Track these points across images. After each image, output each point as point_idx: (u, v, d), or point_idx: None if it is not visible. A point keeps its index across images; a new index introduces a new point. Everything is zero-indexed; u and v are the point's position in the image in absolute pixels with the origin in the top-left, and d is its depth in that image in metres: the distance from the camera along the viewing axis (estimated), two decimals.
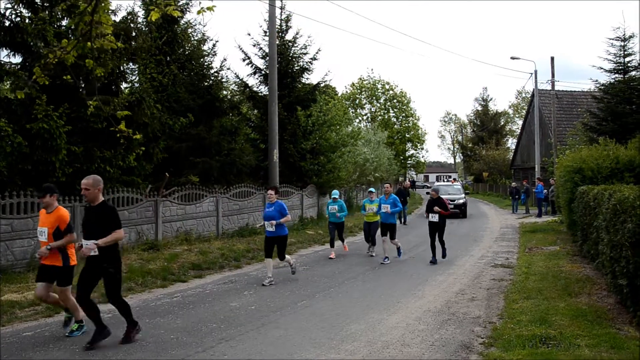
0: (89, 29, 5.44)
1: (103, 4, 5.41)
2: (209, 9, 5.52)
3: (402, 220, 23.33)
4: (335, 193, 14.64)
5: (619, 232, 7.00)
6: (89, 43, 5.63)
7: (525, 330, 6.82)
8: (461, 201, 27.14)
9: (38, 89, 11.51)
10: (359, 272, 11.65)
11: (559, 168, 17.57)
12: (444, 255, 13.02)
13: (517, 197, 29.86)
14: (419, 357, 6.11)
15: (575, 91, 36.81)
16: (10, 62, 12.47)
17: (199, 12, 5.45)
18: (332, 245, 14.19)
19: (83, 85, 13.13)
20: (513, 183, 34.28)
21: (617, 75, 20.49)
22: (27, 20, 12.34)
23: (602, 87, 20.92)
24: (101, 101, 12.11)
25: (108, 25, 5.60)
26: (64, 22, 12.97)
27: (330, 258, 13.61)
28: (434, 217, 12.62)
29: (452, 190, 28.46)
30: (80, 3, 5.71)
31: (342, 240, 14.88)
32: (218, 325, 7.44)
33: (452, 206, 23.65)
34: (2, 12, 12.20)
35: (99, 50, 6.83)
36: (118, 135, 6.32)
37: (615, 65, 20.37)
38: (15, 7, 12.37)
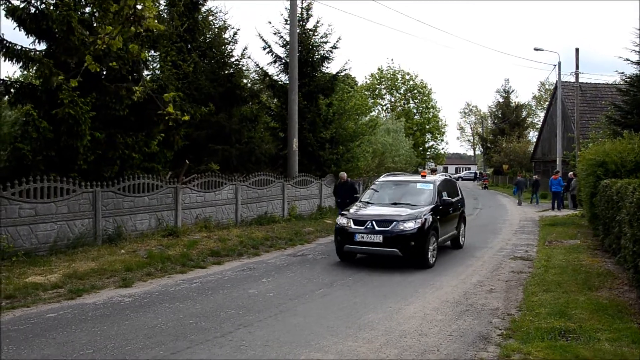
0: (133, 12, 5.44)
1: None
2: None
3: None
4: None
5: None
6: (132, 28, 5.65)
7: (544, 323, 6.78)
8: (409, 226, 10.65)
9: (64, 78, 11.60)
10: (377, 262, 11.65)
11: (581, 161, 17.32)
12: None
13: (535, 189, 30.90)
14: (436, 347, 6.12)
15: (599, 83, 35.99)
16: (35, 49, 12.60)
17: None
18: None
19: (105, 73, 13.22)
20: (535, 175, 34.48)
21: None
22: (51, 7, 12.45)
23: (628, 80, 20.50)
24: (125, 89, 12.39)
25: (151, 8, 5.60)
26: (87, 10, 13.06)
27: None
28: None
29: (411, 197, 11.99)
30: None
31: None
32: (236, 312, 7.52)
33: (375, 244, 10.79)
34: None
35: (139, 37, 6.87)
36: (166, 117, 6.39)
37: None
38: None
